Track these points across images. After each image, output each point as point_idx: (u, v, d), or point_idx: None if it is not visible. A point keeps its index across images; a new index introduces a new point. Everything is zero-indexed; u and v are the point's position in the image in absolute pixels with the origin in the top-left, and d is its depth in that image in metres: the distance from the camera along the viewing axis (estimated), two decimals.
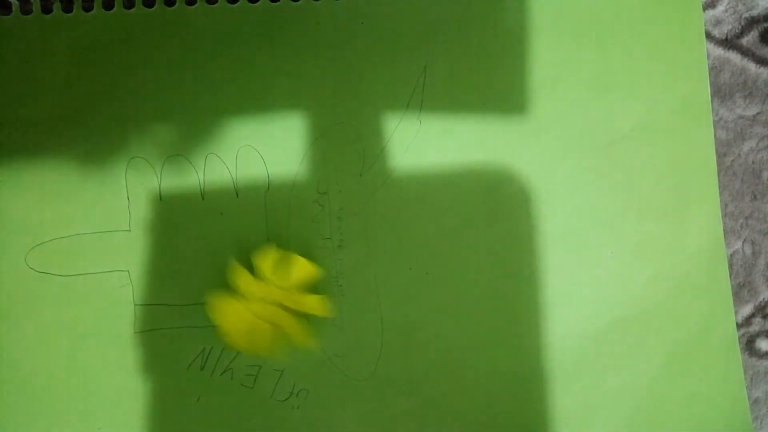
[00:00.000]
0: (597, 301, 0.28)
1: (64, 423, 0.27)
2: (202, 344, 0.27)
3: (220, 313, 0.26)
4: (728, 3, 0.29)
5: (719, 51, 0.29)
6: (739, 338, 0.28)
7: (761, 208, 0.29)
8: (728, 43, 0.29)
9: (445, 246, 0.28)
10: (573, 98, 0.28)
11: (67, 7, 0.27)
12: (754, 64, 0.29)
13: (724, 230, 0.28)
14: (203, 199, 0.27)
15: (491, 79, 0.28)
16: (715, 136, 0.28)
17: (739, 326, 0.29)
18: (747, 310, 0.29)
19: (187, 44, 0.27)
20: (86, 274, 0.27)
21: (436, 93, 0.28)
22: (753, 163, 0.29)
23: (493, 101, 0.28)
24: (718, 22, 0.29)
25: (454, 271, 0.28)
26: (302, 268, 0.26)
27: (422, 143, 0.28)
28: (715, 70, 0.29)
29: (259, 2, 0.28)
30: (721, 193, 0.29)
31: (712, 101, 0.29)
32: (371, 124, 0.28)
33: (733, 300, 0.28)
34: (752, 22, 0.29)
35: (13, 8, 0.27)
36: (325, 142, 0.28)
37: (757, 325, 0.29)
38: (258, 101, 0.27)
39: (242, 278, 0.26)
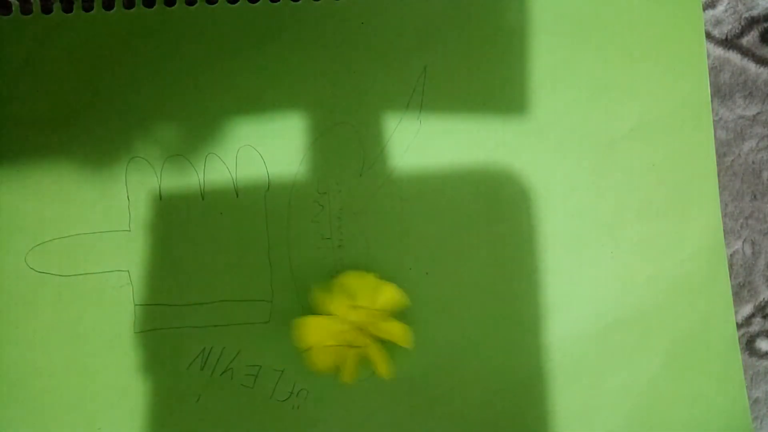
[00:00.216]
0: (597, 301, 0.28)
1: (64, 423, 0.27)
2: (202, 344, 0.27)
3: (309, 332, 0.26)
4: (728, 3, 0.29)
5: (719, 51, 0.29)
6: (739, 338, 0.28)
7: (761, 208, 0.29)
8: (728, 43, 0.29)
9: (445, 246, 0.28)
10: (573, 98, 0.28)
11: (67, 7, 0.27)
12: (754, 64, 0.29)
13: (724, 230, 0.28)
14: (203, 199, 0.27)
15: (491, 79, 0.28)
16: (715, 136, 0.28)
17: (739, 326, 0.29)
18: (747, 310, 0.29)
19: (187, 44, 0.27)
20: (86, 274, 0.27)
21: (436, 93, 0.28)
22: (753, 163, 0.29)
23: (493, 101, 0.28)
24: (718, 22, 0.29)
25: (454, 271, 0.28)
26: (392, 295, 0.26)
27: (422, 143, 0.28)
28: (715, 70, 0.29)
29: (259, 2, 0.28)
30: (721, 193, 0.29)
31: (712, 101, 0.29)
32: (371, 124, 0.28)
33: (733, 300, 0.28)
34: (752, 22, 0.29)
35: (13, 8, 0.27)
36: (325, 142, 0.28)
37: (757, 325, 0.29)
38: (258, 101, 0.27)
39: (336, 300, 0.26)
